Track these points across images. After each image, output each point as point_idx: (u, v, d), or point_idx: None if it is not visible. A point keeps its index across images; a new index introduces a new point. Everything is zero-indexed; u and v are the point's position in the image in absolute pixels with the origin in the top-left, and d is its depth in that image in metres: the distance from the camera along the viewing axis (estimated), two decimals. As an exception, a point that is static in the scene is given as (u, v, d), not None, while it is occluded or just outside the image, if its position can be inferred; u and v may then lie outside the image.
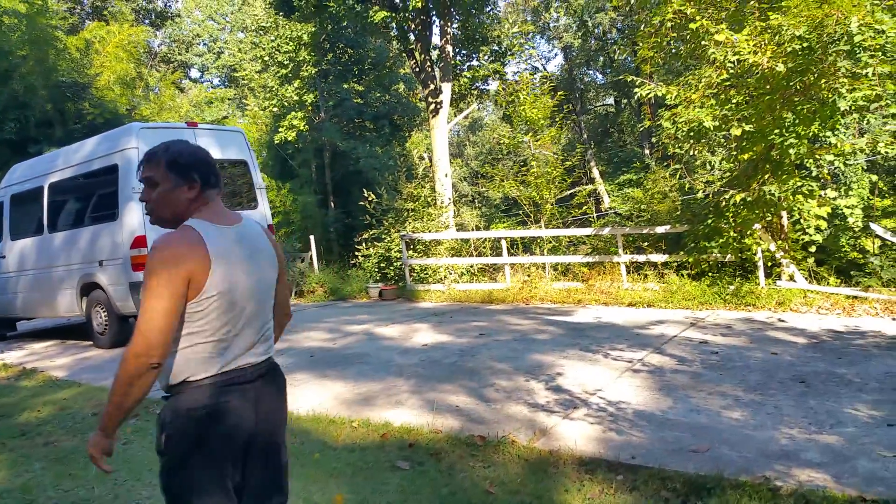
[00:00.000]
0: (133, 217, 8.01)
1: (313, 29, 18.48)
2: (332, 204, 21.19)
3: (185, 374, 1.91)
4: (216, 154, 9.00)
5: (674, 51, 9.70)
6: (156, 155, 1.97)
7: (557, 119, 12.86)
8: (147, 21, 30.99)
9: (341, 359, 6.89)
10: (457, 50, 16.18)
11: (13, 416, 5.53)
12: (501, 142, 14.03)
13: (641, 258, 10.37)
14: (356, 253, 13.80)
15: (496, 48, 16.62)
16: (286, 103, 19.83)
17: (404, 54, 17.49)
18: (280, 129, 19.75)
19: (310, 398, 5.45)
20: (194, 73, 38.21)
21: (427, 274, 12.62)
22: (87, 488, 3.85)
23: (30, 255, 9.47)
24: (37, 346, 9.73)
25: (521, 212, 13.33)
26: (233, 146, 9.36)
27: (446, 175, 14.89)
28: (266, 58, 20.81)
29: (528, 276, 11.14)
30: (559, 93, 13.16)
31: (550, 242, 12.17)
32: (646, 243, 10.66)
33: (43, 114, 16.14)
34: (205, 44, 35.92)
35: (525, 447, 4.05)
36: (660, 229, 10.14)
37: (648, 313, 8.72)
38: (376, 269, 13.14)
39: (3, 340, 10.57)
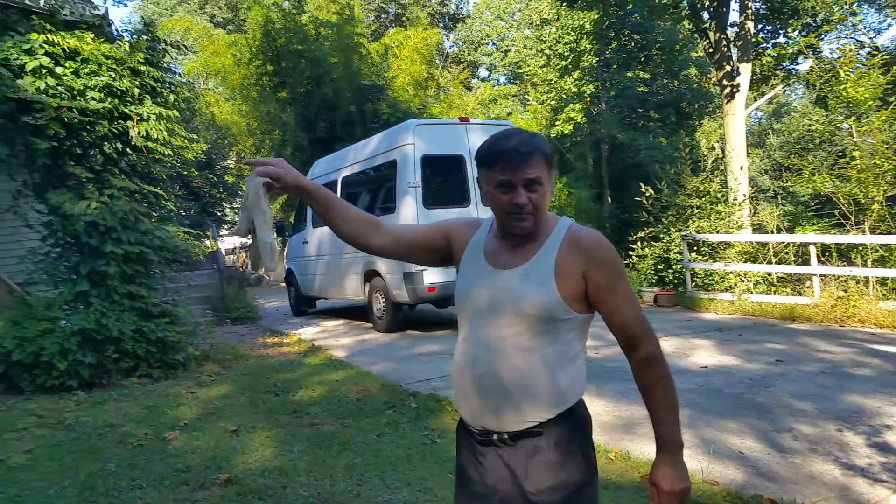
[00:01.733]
0: (408, 210, 8.29)
1: (596, 16, 17.80)
2: (608, 199, 20.34)
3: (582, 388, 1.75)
4: (487, 148, 8.98)
5: None
6: (539, 150, 1.64)
7: (893, 100, 10.48)
8: (441, 24, 33.00)
9: (602, 372, 6.25)
10: (759, 26, 14.25)
11: (290, 393, 5.92)
12: (813, 128, 11.94)
13: None
14: (630, 252, 12.90)
15: (810, 21, 14.29)
16: (564, 95, 19.46)
17: (696, 35, 15.98)
18: (557, 123, 19.47)
19: (565, 416, 4.93)
20: (482, 73, 39.96)
21: (712, 280, 11.25)
22: (333, 480, 3.82)
23: (326, 241, 10.41)
24: (329, 323, 10.75)
25: (836, 212, 11.20)
26: None
27: (741, 168, 13.18)
28: (548, 50, 20.66)
29: (845, 291, 9.20)
30: (894, 67, 10.71)
31: (877, 251, 9.98)
32: None
33: (347, 115, 17.84)
34: (493, 43, 37.28)
35: (837, 529, 3.07)
36: None
37: None
38: (652, 272, 12.10)
39: (303, 315, 11.95)
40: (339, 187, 10.07)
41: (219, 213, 16.51)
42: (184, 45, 7.85)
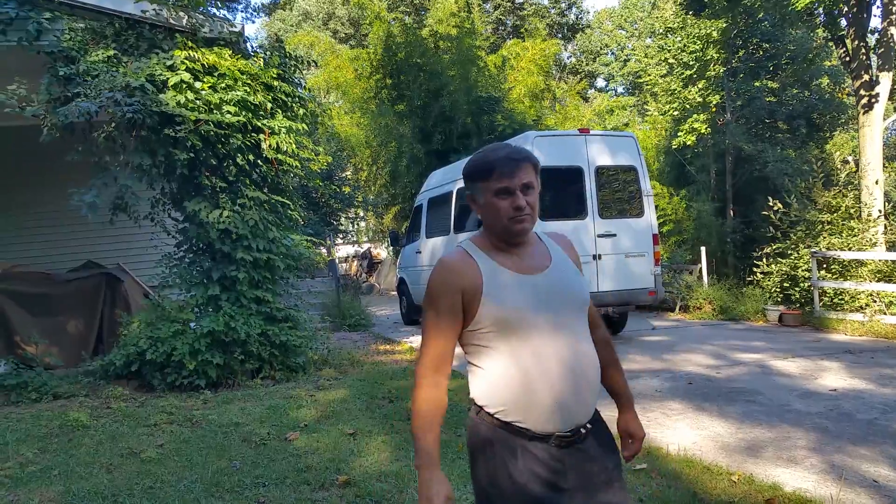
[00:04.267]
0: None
1: (724, 25, 17.13)
2: (731, 212, 19.43)
3: None
4: (606, 160, 8.85)
5: None
6: (528, 158, 1.79)
7: None
8: (559, 34, 32.79)
9: (724, 392, 6.00)
10: (903, 30, 13.18)
11: (404, 400, 6.02)
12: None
13: None
14: (754, 269, 12.26)
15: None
16: (688, 105, 18.82)
17: (831, 43, 15.02)
18: (679, 133, 18.85)
19: (683, 434, 4.79)
20: (600, 83, 39.38)
21: (842, 300, 10.50)
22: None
23: (439, 252, 10.62)
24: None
25: None
26: (623, 152, 9.11)
27: (877, 182, 12.24)
28: (671, 59, 20.09)
29: None
30: None
31: None
32: None
33: (463, 127, 18.09)
34: (612, 53, 36.67)
35: None
36: None
37: None
38: (777, 289, 11.44)
39: (414, 324, 12.15)
40: (454, 199, 10.24)
41: (335, 223, 17.19)
42: (311, 61, 8.18)
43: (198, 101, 6.64)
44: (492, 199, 1.75)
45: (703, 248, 13.63)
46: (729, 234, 18.26)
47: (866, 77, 12.57)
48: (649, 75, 24.70)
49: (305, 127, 7.22)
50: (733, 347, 8.36)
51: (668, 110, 19.93)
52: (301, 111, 7.28)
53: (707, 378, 6.60)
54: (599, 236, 8.70)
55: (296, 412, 5.69)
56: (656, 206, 19.32)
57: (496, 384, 1.74)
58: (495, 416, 1.74)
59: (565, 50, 34.53)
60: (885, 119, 12.78)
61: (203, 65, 6.76)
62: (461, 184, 10.08)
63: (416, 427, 1.75)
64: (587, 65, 35.88)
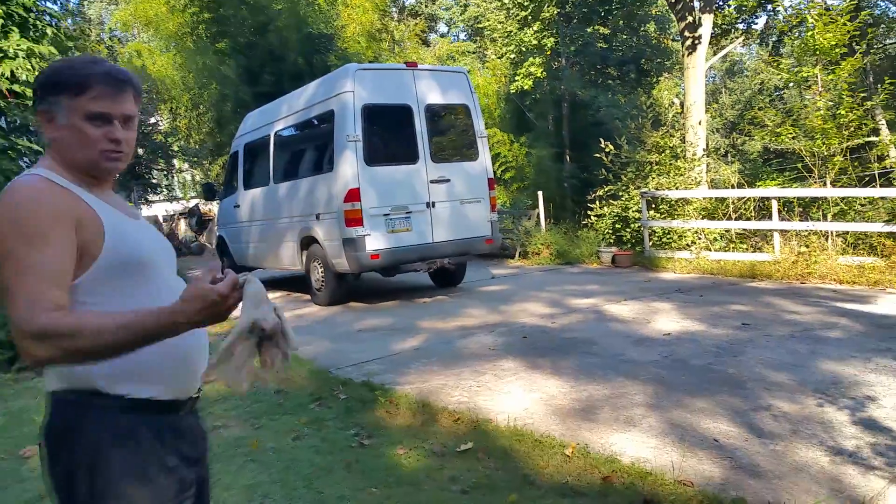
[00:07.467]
0: (347, 168, 7.46)
1: (557, -36, 16.99)
2: (568, 158, 19.75)
3: None
4: (437, 98, 8.15)
5: None
6: (132, 82, 1.46)
7: (858, 46, 9.94)
8: (396, -28, 31.54)
9: (559, 344, 5.64)
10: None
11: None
12: (783, 76, 11.38)
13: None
14: (588, 212, 12.33)
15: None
16: (524, 48, 18.63)
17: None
18: (517, 78, 18.69)
19: (515, 399, 4.30)
20: (442, 28, 38.70)
21: (671, 239, 10.77)
22: None
23: (258, 205, 9.52)
24: (263, 296, 9.86)
25: (793, 167, 10.76)
26: (455, 89, 8.43)
27: (700, 123, 12.64)
28: (507, 2, 19.75)
29: (806, 246, 8.83)
30: (863, 13, 10.14)
31: (837, 205, 9.60)
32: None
33: (295, 67, 16.69)
34: (452, -4, 36.00)
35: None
36: None
37: None
38: (610, 231, 11.55)
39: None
40: (273, 143, 9.13)
41: (147, 176, 15.20)
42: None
43: None
44: (80, 122, 1.39)
45: (539, 193, 13.51)
46: (566, 179, 18.55)
47: (690, 19, 12.81)
48: (488, 20, 24.41)
49: (55, 52, 5.74)
50: (569, 293, 8.16)
51: (506, 53, 19.73)
52: (50, 31, 5.78)
53: (542, 330, 6.24)
54: (433, 182, 8.05)
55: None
56: (498, 154, 19.25)
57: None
58: (126, 396, 1.36)
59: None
60: (706, 61, 13.15)
61: None
62: (280, 126, 9.00)
63: (101, 333, 1.20)
64: (426, 6, 34.99)
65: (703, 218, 10.58)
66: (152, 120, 17.24)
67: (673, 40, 20.59)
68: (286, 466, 3.45)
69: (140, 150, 14.71)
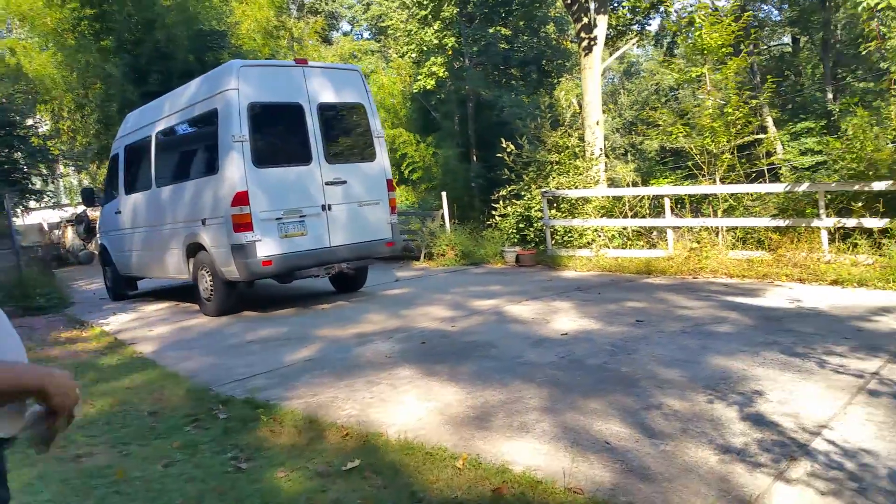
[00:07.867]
0: (234, 171, 7.07)
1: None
2: (474, 157, 19.84)
3: None
4: (330, 96, 7.87)
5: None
6: None
7: (743, 46, 10.38)
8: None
9: (459, 349, 5.52)
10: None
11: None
12: (674, 75, 11.77)
13: (851, 222, 8.06)
14: (493, 212, 12.35)
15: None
16: (425, 48, 18.55)
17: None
18: (419, 77, 18.58)
19: (407, 410, 4.11)
20: (345, 27, 38.17)
21: (572, 237, 10.93)
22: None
23: (141, 211, 8.94)
24: (149, 308, 9.25)
25: (686, 165, 11.17)
26: (349, 87, 8.17)
27: (598, 123, 12.94)
28: (407, 0, 19.61)
29: (698, 242, 9.14)
30: (746, 14, 10.62)
31: (727, 201, 9.99)
32: (859, 204, 8.29)
33: (185, 65, 15.91)
34: (353, -7, 35.56)
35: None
36: (878, 185, 7.79)
37: (863, 297, 6.62)
38: (514, 231, 11.61)
39: (123, 300, 10.29)
40: (154, 144, 8.57)
41: (24, 182, 14.04)
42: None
43: None
44: None
45: (443, 194, 13.43)
46: (473, 179, 18.62)
47: (586, 20, 13.08)
48: (391, 19, 24.24)
49: None
50: (472, 294, 8.08)
51: (407, 52, 19.61)
52: None
53: (442, 334, 6.10)
54: (328, 184, 7.76)
55: None
56: (405, 154, 19.10)
57: None
58: None
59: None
60: (603, 62, 13.46)
61: None
62: (162, 126, 8.48)
63: None
64: (326, 4, 34.40)
65: (601, 216, 10.79)
66: (30, 122, 15.98)
67: (571, 42, 21.09)
68: (153, 498, 3.13)
69: (17, 155, 13.56)
